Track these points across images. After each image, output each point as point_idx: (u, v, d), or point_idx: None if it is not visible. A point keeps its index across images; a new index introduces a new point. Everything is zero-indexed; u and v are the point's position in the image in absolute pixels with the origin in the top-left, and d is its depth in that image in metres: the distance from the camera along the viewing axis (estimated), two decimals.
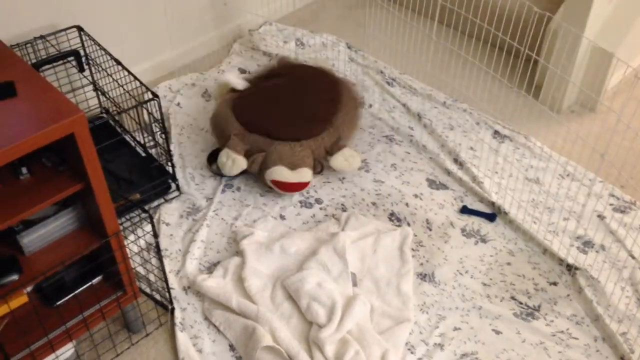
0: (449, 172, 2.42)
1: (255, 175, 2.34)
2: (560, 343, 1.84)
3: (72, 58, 2.21)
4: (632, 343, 1.81)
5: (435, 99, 2.77)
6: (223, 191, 2.31)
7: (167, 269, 2.02)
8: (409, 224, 2.20)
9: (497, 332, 1.87)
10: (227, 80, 2.39)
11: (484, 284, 2.00)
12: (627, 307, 1.91)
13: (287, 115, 2.29)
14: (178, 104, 2.67)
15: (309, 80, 2.43)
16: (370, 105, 2.74)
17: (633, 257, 2.07)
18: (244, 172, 2.34)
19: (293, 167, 2.20)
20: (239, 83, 2.39)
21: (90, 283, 1.71)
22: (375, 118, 2.69)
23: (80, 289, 1.70)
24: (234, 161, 2.19)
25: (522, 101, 2.75)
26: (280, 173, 2.18)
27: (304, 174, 2.21)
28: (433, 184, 2.38)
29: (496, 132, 2.60)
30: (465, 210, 2.26)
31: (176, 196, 2.28)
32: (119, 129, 2.42)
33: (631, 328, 1.85)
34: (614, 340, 1.82)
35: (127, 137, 2.39)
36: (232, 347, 1.82)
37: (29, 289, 1.67)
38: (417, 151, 2.53)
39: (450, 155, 2.49)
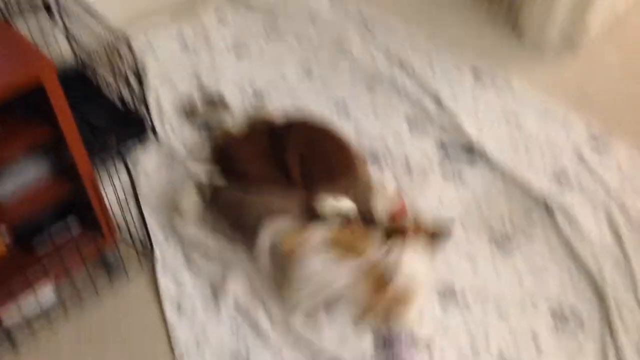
0: (429, 114, 2.41)
1: None
2: (536, 274, 1.87)
3: (42, 7, 2.16)
4: (605, 273, 1.85)
5: (416, 41, 2.74)
6: (201, 139, 2.30)
7: (147, 214, 2.02)
8: (387, 166, 2.20)
9: (473, 261, 1.91)
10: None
11: (463, 225, 2.01)
12: (602, 240, 1.94)
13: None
14: (154, 52, 2.63)
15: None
16: (351, 49, 2.71)
17: (609, 193, 2.09)
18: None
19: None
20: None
21: (68, 229, 1.72)
22: (356, 60, 2.65)
23: (59, 234, 1.71)
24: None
25: (504, 41, 2.72)
26: None
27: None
28: (413, 126, 2.37)
29: (477, 73, 2.58)
30: (445, 152, 2.26)
31: (154, 144, 2.26)
32: (93, 80, 2.39)
33: (605, 260, 1.89)
34: (588, 273, 1.86)
35: (103, 87, 2.36)
36: (213, 288, 1.84)
37: (7, 239, 1.68)
38: (397, 93, 2.51)
39: (431, 97, 2.47)
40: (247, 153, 2.00)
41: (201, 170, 2.00)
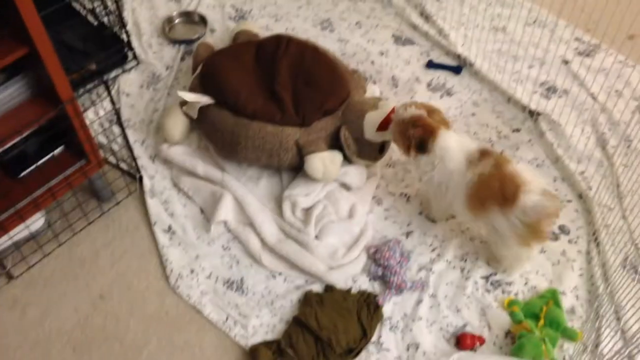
0: (415, 27, 2.36)
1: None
2: None
3: None
4: (590, 180, 1.88)
5: None
6: (182, 59, 2.24)
7: (132, 139, 2.00)
8: (374, 82, 2.17)
9: None
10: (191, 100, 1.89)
11: None
12: (586, 147, 1.95)
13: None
14: None
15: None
16: None
17: (595, 99, 2.09)
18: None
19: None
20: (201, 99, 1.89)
21: (52, 154, 1.70)
22: None
23: (43, 159, 1.69)
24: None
25: None
26: None
27: None
28: (399, 40, 2.33)
29: None
30: (430, 64, 2.23)
31: (134, 66, 2.20)
32: None
33: (589, 166, 1.91)
34: (572, 179, 1.88)
35: (76, 5, 2.26)
36: (202, 210, 1.85)
37: None
38: (382, 7, 2.45)
39: (416, 9, 2.41)
40: (235, 72, 1.92)
41: (189, 94, 1.91)
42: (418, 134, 1.61)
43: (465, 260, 1.73)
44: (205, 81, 1.93)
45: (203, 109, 1.88)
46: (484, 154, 1.57)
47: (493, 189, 1.53)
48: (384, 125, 1.79)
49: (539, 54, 2.22)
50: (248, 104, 1.83)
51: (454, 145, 1.60)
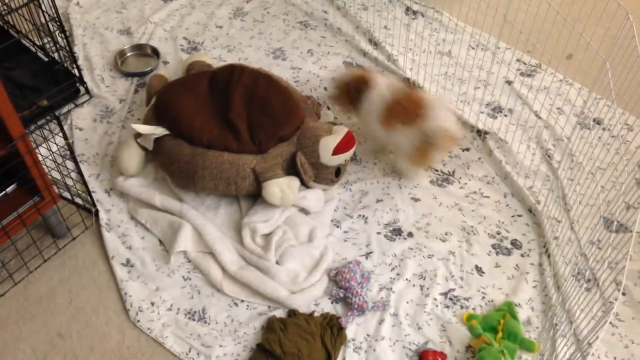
0: (364, 53, 2.43)
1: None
2: (473, 202, 1.96)
3: None
4: (538, 194, 1.95)
5: None
6: (136, 91, 2.24)
7: (87, 173, 1.99)
8: (328, 108, 2.22)
9: (416, 200, 1.96)
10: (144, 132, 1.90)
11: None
12: (532, 162, 2.03)
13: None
14: (77, 3, 2.52)
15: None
16: None
17: (538, 117, 2.18)
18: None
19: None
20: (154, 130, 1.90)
21: (4, 192, 1.67)
22: (289, 4, 2.62)
23: None
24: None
25: None
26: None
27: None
28: (350, 66, 2.39)
29: (408, 9, 2.60)
30: None
31: (87, 100, 2.20)
32: (14, 34, 2.27)
33: (536, 181, 1.99)
34: (521, 194, 1.96)
35: (26, 42, 2.25)
36: (161, 241, 1.84)
37: None
38: (332, 35, 2.51)
39: (365, 36, 2.48)
40: (189, 102, 1.94)
41: (143, 126, 1.91)
42: (354, 83, 1.94)
43: (424, 277, 1.77)
44: (159, 112, 1.93)
45: (158, 140, 1.88)
46: (404, 83, 1.95)
47: (400, 109, 1.84)
48: (339, 149, 1.83)
49: (483, 75, 2.31)
50: (203, 133, 1.85)
51: (382, 80, 1.92)
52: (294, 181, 1.86)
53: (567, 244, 1.80)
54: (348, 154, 1.88)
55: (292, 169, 1.88)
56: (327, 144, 1.85)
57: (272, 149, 1.86)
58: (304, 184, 1.90)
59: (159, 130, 1.87)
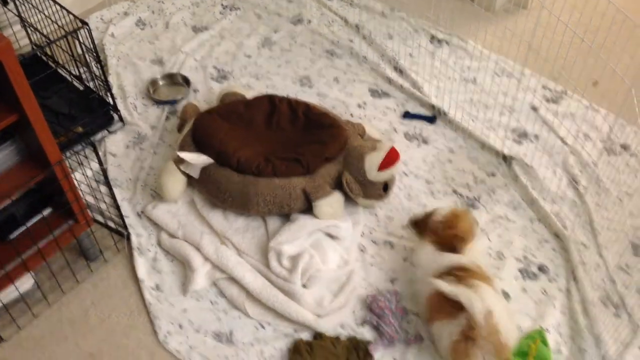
0: (390, 81, 2.46)
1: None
2: (500, 227, 1.96)
3: None
4: (564, 219, 1.95)
5: (373, 9, 2.78)
6: (167, 118, 2.31)
7: (119, 197, 2.04)
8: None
9: None
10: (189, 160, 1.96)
11: (427, 182, 2.09)
12: (559, 188, 2.03)
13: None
14: (112, 35, 2.62)
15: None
16: (309, 21, 2.73)
17: (564, 142, 2.18)
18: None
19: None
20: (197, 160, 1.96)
21: (41, 215, 1.73)
22: (315, 34, 2.68)
23: (33, 220, 1.72)
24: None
25: (457, 4, 2.78)
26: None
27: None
28: (375, 93, 2.42)
29: (433, 37, 2.64)
30: (407, 115, 2.32)
31: (120, 127, 2.27)
32: (52, 64, 2.37)
33: (563, 206, 1.98)
34: (548, 220, 1.95)
35: (62, 71, 2.34)
36: (189, 267, 1.87)
37: None
38: (357, 63, 2.56)
39: (391, 64, 2.52)
40: (234, 133, 2.02)
41: (189, 154, 1.96)
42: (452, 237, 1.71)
43: None
44: (199, 140, 2.00)
45: (204, 169, 1.95)
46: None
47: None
48: (384, 165, 1.90)
49: (508, 102, 2.33)
50: (251, 162, 1.92)
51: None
52: (340, 196, 1.95)
53: (595, 269, 1.79)
54: (394, 169, 1.93)
55: (339, 187, 1.96)
56: (372, 161, 1.91)
57: (320, 169, 1.94)
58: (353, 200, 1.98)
59: (203, 159, 1.94)
